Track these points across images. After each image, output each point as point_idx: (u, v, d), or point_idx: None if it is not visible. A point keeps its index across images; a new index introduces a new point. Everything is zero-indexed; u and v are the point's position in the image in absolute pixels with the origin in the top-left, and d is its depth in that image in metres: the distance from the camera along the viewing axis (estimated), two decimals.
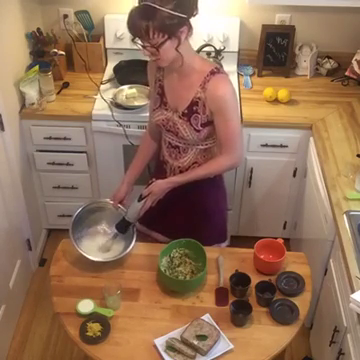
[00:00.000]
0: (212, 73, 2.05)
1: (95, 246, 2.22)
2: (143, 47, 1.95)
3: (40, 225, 3.37)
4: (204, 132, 2.13)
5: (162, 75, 2.16)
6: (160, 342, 1.88)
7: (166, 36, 1.90)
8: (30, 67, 2.94)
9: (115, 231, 2.24)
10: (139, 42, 1.94)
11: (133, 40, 1.96)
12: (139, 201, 2.16)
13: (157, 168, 2.40)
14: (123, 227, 2.22)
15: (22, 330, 2.91)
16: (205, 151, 2.22)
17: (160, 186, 2.17)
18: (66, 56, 3.14)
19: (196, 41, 3.04)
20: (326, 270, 2.46)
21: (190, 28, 1.97)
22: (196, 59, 2.09)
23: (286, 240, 2.56)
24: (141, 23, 1.87)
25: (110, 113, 2.83)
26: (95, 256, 2.16)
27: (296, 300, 2.03)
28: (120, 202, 2.29)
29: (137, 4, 1.90)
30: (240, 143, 2.18)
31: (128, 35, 1.96)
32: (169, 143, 2.25)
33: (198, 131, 2.12)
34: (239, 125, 2.15)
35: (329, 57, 3.21)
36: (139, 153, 2.40)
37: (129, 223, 2.21)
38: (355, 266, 2.01)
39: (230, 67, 3.19)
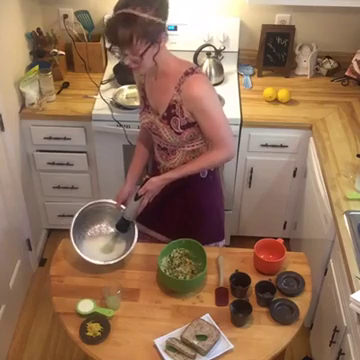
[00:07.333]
0: (186, 74, 2.03)
1: (96, 246, 2.23)
2: (124, 55, 1.94)
3: (40, 225, 3.37)
4: (185, 134, 2.12)
5: (144, 78, 2.17)
6: (160, 342, 1.88)
7: (149, 43, 1.90)
8: (30, 67, 2.94)
9: (116, 231, 2.25)
10: (117, 52, 1.94)
11: (110, 49, 1.95)
12: (136, 200, 2.20)
13: (153, 168, 2.42)
14: (123, 226, 2.24)
15: (22, 330, 2.90)
16: (193, 152, 2.21)
17: (155, 183, 2.19)
18: (66, 56, 3.15)
19: (196, 41, 3.08)
20: (326, 270, 2.46)
21: (167, 33, 1.98)
22: (171, 61, 2.07)
23: (286, 240, 2.57)
24: (124, 31, 1.85)
25: (110, 113, 2.83)
26: (97, 256, 2.16)
27: (296, 300, 2.03)
28: (123, 202, 2.30)
29: (115, 13, 1.88)
30: (229, 135, 2.16)
31: None
32: (158, 145, 2.27)
33: (179, 134, 2.12)
34: (223, 118, 2.12)
35: (329, 57, 3.21)
36: (137, 152, 2.41)
37: (129, 222, 2.23)
38: (355, 266, 2.01)
39: (230, 67, 3.19)
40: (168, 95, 2.08)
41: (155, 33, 1.90)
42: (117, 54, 1.96)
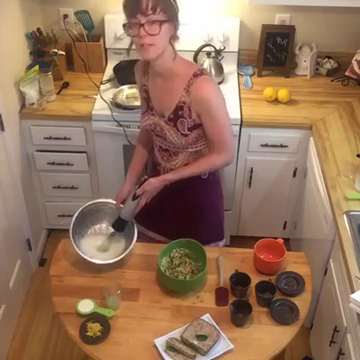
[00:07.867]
0: (195, 76, 2.04)
1: (94, 246, 2.23)
2: (140, 27, 1.87)
3: (40, 225, 3.37)
4: (192, 136, 2.13)
5: (147, 79, 2.16)
6: (160, 342, 1.88)
7: (168, 18, 1.91)
8: (30, 67, 2.94)
9: (112, 230, 2.26)
10: (134, 23, 1.88)
11: (125, 26, 1.92)
12: (133, 200, 2.21)
13: (152, 169, 2.42)
14: (119, 225, 2.25)
15: (22, 330, 2.91)
16: (196, 153, 2.21)
17: (153, 184, 2.19)
18: (66, 56, 3.15)
19: (196, 41, 3.08)
20: (326, 270, 2.46)
21: (178, 36, 2.01)
22: (179, 62, 2.07)
23: (286, 240, 2.57)
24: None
25: (110, 113, 2.83)
26: (95, 256, 2.16)
27: (296, 300, 2.03)
28: (122, 202, 2.30)
29: None
30: (231, 141, 2.18)
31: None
32: (159, 147, 2.26)
33: (185, 135, 2.12)
34: (228, 123, 2.14)
35: (329, 57, 3.21)
36: (137, 152, 2.41)
37: (125, 221, 2.24)
38: (355, 266, 2.01)
39: (230, 67, 3.19)
40: (175, 96, 2.07)
41: (174, 12, 1.95)
42: (131, 31, 1.91)
